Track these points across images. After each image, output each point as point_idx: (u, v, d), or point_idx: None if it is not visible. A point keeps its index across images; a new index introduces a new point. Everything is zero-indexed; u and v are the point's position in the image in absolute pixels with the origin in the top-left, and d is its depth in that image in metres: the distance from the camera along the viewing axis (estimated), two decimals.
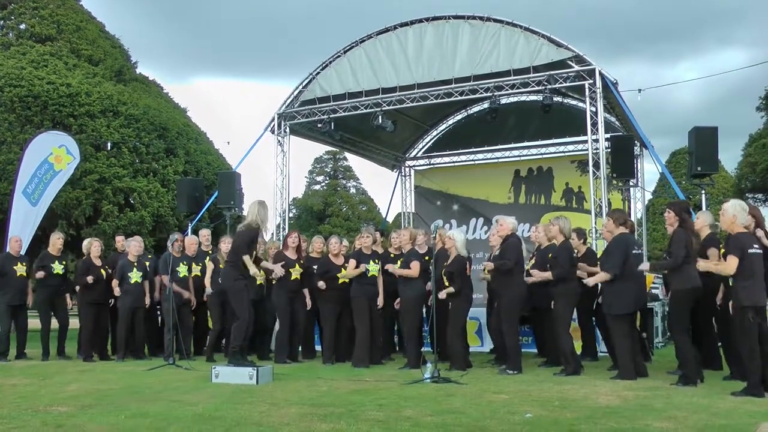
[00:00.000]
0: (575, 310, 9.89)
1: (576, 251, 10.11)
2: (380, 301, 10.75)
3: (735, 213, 7.52)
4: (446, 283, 9.80)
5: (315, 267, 11.29)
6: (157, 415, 6.25)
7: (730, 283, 7.67)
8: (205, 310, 12.25)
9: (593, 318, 10.60)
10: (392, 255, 11.26)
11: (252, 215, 9.17)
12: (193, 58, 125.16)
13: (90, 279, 11.70)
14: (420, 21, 14.64)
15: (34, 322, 12.54)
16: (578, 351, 10.21)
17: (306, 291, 11.26)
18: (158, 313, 12.56)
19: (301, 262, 11.25)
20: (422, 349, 10.62)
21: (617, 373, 8.82)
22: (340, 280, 10.91)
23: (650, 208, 37.27)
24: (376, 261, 10.79)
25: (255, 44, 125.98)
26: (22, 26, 24.19)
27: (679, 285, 8.14)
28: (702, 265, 7.77)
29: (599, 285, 9.44)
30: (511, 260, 9.44)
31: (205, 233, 13.24)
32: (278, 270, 10.10)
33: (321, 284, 10.93)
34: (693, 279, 8.10)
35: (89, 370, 10.36)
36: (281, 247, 11.72)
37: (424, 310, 10.86)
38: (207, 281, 11.64)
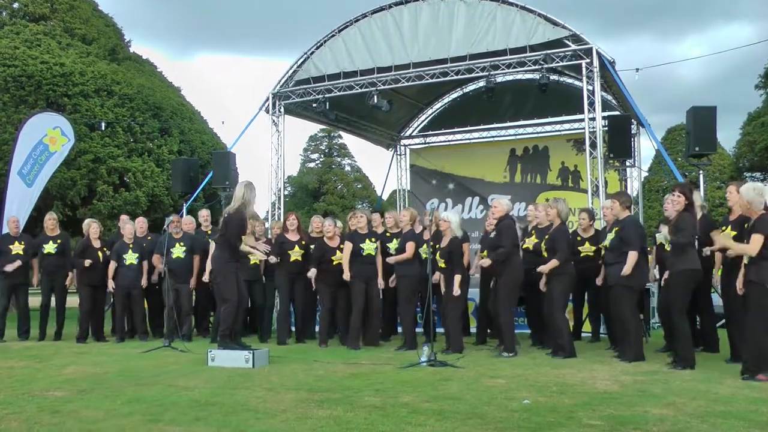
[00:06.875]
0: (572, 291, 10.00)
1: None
2: (380, 282, 10.72)
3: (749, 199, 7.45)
4: (442, 264, 9.79)
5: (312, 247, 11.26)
6: (153, 401, 6.24)
7: (745, 261, 7.56)
8: (204, 291, 12.24)
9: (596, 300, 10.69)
10: (388, 234, 11.28)
11: (239, 198, 9.06)
12: (195, 33, 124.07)
13: (87, 263, 11.72)
14: (415, 0, 14.52)
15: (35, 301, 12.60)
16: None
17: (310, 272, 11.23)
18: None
19: (302, 243, 11.26)
20: (417, 330, 10.64)
21: (625, 353, 8.77)
22: (335, 262, 10.88)
23: (646, 186, 37.22)
24: (373, 240, 10.77)
25: (256, 20, 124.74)
26: (15, 5, 24.13)
27: (683, 266, 8.14)
28: (725, 242, 7.74)
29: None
30: (507, 246, 9.40)
31: (204, 213, 13.15)
32: (260, 254, 10.05)
33: (312, 273, 10.91)
34: (695, 261, 8.19)
35: (85, 352, 10.36)
36: (282, 229, 11.72)
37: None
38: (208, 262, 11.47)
